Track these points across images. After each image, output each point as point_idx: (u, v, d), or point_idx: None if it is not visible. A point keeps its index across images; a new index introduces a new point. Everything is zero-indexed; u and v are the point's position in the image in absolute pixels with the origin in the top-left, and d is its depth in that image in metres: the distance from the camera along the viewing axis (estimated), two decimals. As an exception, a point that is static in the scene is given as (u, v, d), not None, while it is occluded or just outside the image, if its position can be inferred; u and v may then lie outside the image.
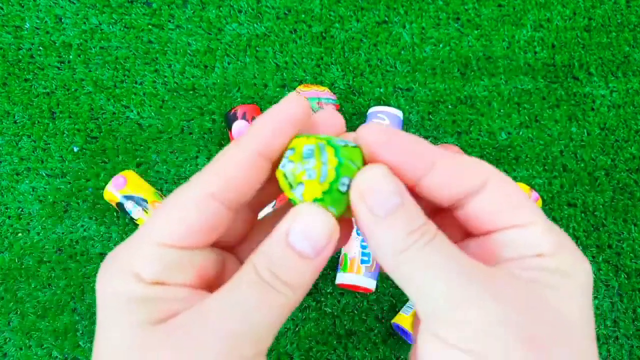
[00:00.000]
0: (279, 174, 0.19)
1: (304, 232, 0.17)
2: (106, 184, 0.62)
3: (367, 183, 0.18)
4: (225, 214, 0.19)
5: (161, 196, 0.62)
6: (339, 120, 0.20)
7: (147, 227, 0.18)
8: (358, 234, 0.60)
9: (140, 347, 0.16)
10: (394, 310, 0.62)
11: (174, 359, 0.16)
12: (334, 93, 0.70)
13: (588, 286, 0.18)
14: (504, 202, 0.18)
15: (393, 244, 0.17)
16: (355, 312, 0.62)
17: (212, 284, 0.19)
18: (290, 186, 0.18)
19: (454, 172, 0.18)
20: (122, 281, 0.17)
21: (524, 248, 0.18)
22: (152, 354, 0.16)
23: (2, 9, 0.73)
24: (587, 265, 0.18)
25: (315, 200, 0.18)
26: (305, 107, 0.19)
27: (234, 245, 0.22)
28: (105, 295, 0.18)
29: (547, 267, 0.18)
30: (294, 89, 0.70)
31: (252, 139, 0.18)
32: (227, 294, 0.17)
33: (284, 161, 0.18)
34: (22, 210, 0.66)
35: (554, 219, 0.65)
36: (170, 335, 0.16)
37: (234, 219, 0.19)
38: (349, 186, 0.18)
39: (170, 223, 0.18)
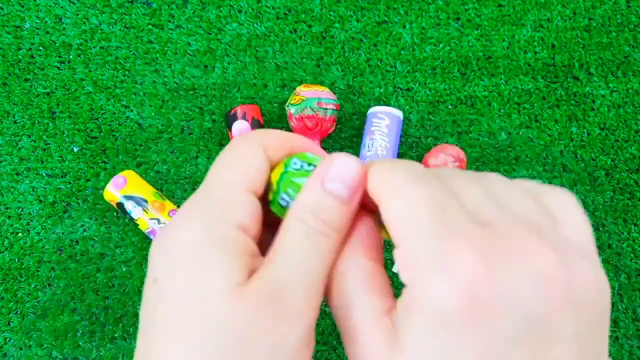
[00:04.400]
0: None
1: (337, 176, 0.19)
2: (106, 184, 0.62)
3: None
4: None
5: (161, 196, 0.62)
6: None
7: (226, 175, 0.19)
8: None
9: (236, 300, 0.17)
10: (394, 310, 0.62)
11: (262, 315, 0.17)
12: (334, 93, 0.70)
13: (438, 319, 0.15)
14: (386, 218, 0.18)
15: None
16: (355, 312, 0.62)
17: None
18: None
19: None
20: (218, 221, 0.18)
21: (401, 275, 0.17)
22: (247, 307, 0.17)
23: (2, 9, 0.73)
24: (440, 284, 0.15)
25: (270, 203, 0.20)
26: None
27: None
28: (197, 234, 0.17)
29: (400, 306, 0.17)
30: (294, 89, 0.70)
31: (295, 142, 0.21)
32: (283, 249, 0.18)
33: None
34: (22, 210, 0.66)
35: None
36: (256, 296, 0.17)
37: None
38: (288, 202, 0.19)
39: (250, 170, 0.19)
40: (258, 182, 0.19)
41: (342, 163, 0.19)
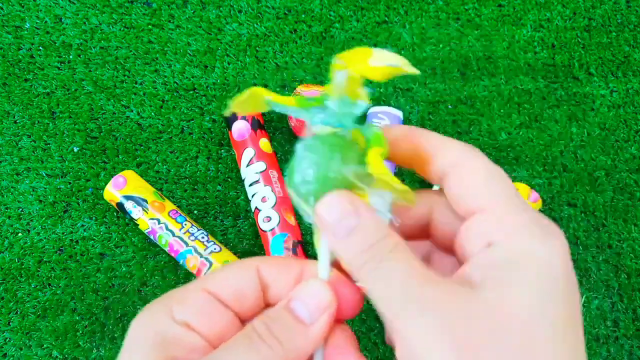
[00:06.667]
0: None
1: (305, 300, 0.20)
2: (106, 184, 0.62)
3: (324, 210, 0.20)
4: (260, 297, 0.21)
5: (161, 196, 0.62)
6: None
7: (202, 277, 0.21)
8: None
9: None
10: (394, 310, 0.62)
11: None
12: (334, 93, 0.70)
13: (546, 274, 0.17)
14: (466, 187, 0.20)
15: (353, 259, 0.19)
16: (355, 312, 0.62)
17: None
18: None
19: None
20: (156, 316, 0.19)
21: (477, 239, 0.19)
22: None
23: (2, 9, 0.73)
24: (547, 247, 0.17)
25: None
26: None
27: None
28: (137, 325, 0.19)
29: (494, 260, 0.18)
30: (294, 89, 0.70)
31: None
32: (224, 347, 0.19)
33: None
34: (22, 210, 0.66)
35: (554, 219, 0.65)
36: None
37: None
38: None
39: (225, 279, 0.20)
40: (235, 293, 0.20)
41: (312, 290, 0.20)
